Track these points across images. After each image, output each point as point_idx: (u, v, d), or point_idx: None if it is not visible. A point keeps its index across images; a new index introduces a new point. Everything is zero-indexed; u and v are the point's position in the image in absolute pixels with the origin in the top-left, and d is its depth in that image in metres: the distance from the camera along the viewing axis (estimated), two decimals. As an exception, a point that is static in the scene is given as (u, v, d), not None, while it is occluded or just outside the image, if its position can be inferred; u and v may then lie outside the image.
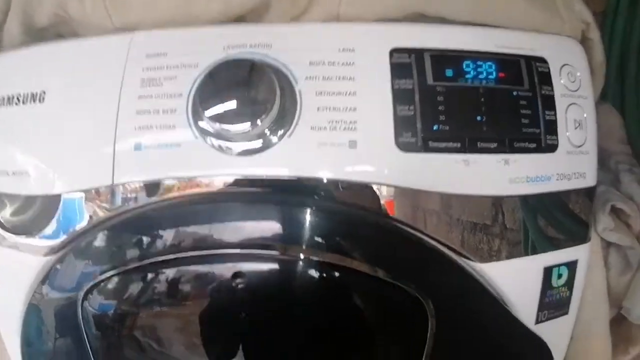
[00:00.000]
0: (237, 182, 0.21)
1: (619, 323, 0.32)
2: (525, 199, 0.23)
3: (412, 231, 0.22)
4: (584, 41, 0.28)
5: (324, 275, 0.21)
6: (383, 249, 0.22)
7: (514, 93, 0.23)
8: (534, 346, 0.26)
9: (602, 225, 0.29)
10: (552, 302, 0.26)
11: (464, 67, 0.23)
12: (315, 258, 0.21)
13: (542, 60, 0.25)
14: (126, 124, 0.22)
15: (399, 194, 0.22)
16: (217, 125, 0.20)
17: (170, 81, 0.22)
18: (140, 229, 0.23)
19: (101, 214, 0.23)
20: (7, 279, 0.27)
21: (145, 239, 0.23)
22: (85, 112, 0.23)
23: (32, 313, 0.26)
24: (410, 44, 0.22)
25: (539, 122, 0.24)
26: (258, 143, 0.21)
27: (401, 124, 0.21)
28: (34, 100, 0.25)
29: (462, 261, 0.23)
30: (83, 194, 0.23)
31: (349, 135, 0.21)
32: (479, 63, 0.23)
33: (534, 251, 0.24)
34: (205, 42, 0.22)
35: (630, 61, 0.31)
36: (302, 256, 0.20)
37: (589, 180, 0.26)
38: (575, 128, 0.25)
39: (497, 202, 0.23)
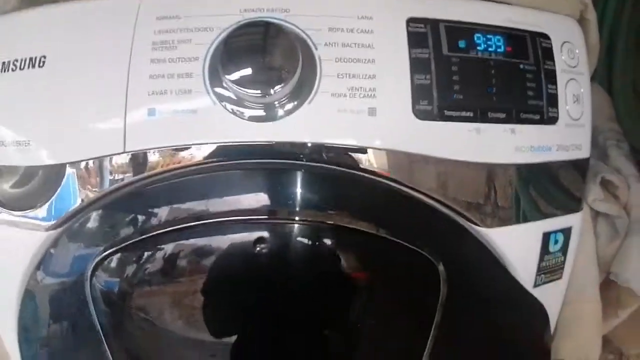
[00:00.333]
0: (258, 149, 0.22)
1: (608, 288, 0.36)
2: (528, 168, 0.26)
3: (424, 198, 0.25)
4: (581, 21, 0.31)
5: (341, 238, 0.23)
6: (398, 215, 0.24)
7: (521, 66, 0.26)
8: (532, 308, 0.30)
9: (593, 195, 0.33)
10: (549, 267, 0.30)
11: (475, 39, 0.25)
12: (332, 222, 0.23)
13: (546, 37, 0.27)
14: (138, 89, 0.22)
15: (412, 160, 0.24)
16: (239, 91, 0.21)
17: (184, 44, 0.23)
18: (151, 199, 0.24)
19: (109, 184, 0.23)
20: (3, 259, 0.27)
21: (156, 210, 0.24)
22: (91, 77, 0.23)
23: (29, 298, 0.26)
24: (426, 14, 0.24)
25: (542, 95, 0.27)
26: (278, 109, 0.22)
27: (418, 93, 0.23)
28: (33, 65, 0.24)
29: (469, 226, 0.26)
30: (91, 163, 0.23)
31: (369, 102, 0.23)
32: (489, 36, 0.25)
33: (535, 218, 0.28)
34: (221, 4, 0.23)
35: (619, 43, 0.35)
36: (322, 220, 0.22)
37: (584, 152, 0.29)
38: (574, 102, 0.28)
39: (503, 170, 0.25)
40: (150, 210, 0.24)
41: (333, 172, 0.22)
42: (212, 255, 0.23)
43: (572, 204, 0.30)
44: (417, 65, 0.23)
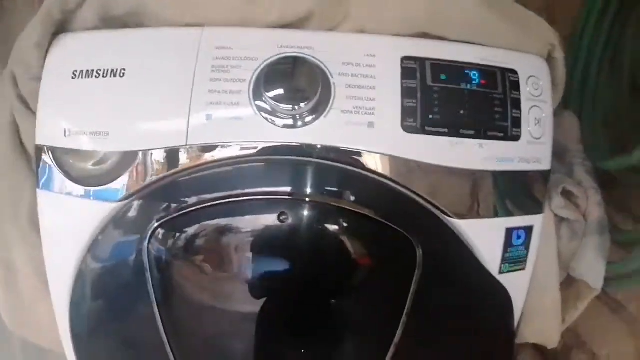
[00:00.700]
0: (286, 148, 0.33)
1: (569, 285, 0.46)
2: (494, 174, 0.37)
3: (407, 192, 0.35)
4: (550, 59, 0.42)
5: (343, 218, 0.34)
6: (387, 204, 0.35)
7: (490, 95, 0.37)
8: (497, 292, 0.40)
9: (555, 203, 0.43)
10: (512, 257, 0.40)
11: (455, 73, 0.36)
12: (336, 204, 0.34)
13: (514, 72, 0.38)
14: (200, 99, 0.34)
15: (400, 163, 0.34)
16: (275, 104, 0.32)
17: (236, 69, 0.34)
18: (200, 182, 0.35)
19: (170, 168, 0.34)
20: (73, 228, 0.38)
21: (202, 189, 0.35)
22: (163, 88, 0.35)
23: (92, 259, 0.37)
24: (416, 54, 0.36)
25: (507, 118, 0.37)
26: (302, 120, 0.34)
27: (406, 113, 0.34)
28: (114, 75, 0.36)
29: (443, 217, 0.36)
30: (159, 151, 0.34)
31: (368, 118, 0.34)
32: (466, 71, 0.36)
33: (498, 215, 0.38)
34: (263, 41, 0.35)
35: (590, 79, 0.46)
36: (329, 202, 0.33)
37: (544, 165, 0.40)
38: (535, 125, 0.39)
39: (472, 174, 0.36)
40: (198, 190, 0.35)
41: (339, 168, 0.33)
42: (246, 225, 0.34)
43: (533, 206, 0.40)
44: (406, 92, 0.34)
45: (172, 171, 0.34)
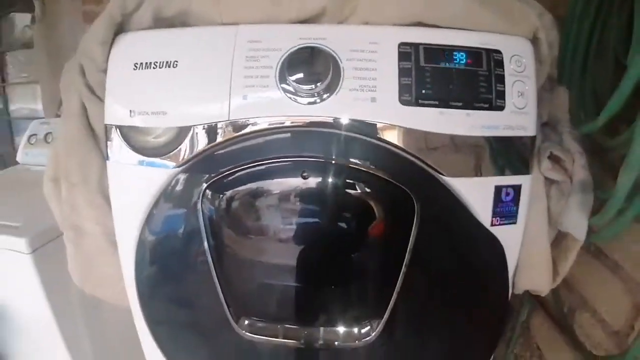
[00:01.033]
0: (306, 122, 0.46)
1: (560, 241, 0.57)
2: (481, 139, 0.48)
3: (405, 154, 0.47)
4: (534, 40, 0.52)
5: (354, 175, 0.47)
6: (390, 164, 0.47)
7: (476, 72, 0.48)
8: (490, 242, 0.52)
9: (544, 166, 0.54)
10: (503, 212, 0.51)
11: (445, 55, 0.48)
12: (348, 164, 0.46)
13: (498, 52, 0.49)
14: (237, 83, 0.47)
15: (400, 130, 0.47)
16: (297, 86, 0.45)
17: (264, 58, 0.47)
18: (239, 149, 0.48)
19: (216, 139, 0.48)
20: (138, 191, 0.52)
21: (240, 155, 0.48)
22: (208, 74, 0.48)
23: (152, 220, 0.52)
24: (411, 39, 0.48)
25: (492, 91, 0.49)
26: (318, 98, 0.46)
27: (403, 89, 0.46)
28: (169, 66, 0.50)
29: (438, 176, 0.48)
30: (207, 126, 0.48)
31: (372, 94, 0.46)
32: (455, 53, 0.48)
33: (488, 174, 0.50)
34: (285, 34, 0.47)
35: (577, 56, 0.56)
36: (342, 162, 0.46)
37: (529, 132, 0.51)
38: (519, 96, 0.50)
39: (462, 139, 0.47)
40: (236, 156, 0.48)
41: (349, 135, 0.46)
42: (277, 183, 0.47)
43: (520, 168, 0.51)
44: (403, 72, 0.46)
45: (217, 141, 0.48)
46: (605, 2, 0.55)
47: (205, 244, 0.50)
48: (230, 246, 0.51)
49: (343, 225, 0.49)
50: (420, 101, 0.47)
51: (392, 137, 0.47)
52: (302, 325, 0.54)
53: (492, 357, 0.61)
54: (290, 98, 0.47)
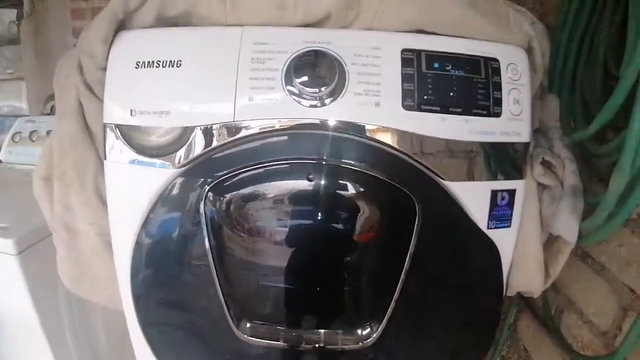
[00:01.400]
0: (310, 124, 0.47)
1: (551, 244, 0.59)
2: (479, 144, 0.50)
3: (407, 158, 0.48)
4: (529, 49, 0.55)
5: (356, 177, 0.48)
6: (392, 167, 0.48)
7: (474, 79, 0.50)
8: (486, 245, 0.53)
9: (537, 171, 0.56)
10: (498, 215, 0.53)
11: (445, 62, 0.49)
12: (350, 167, 0.47)
13: (495, 60, 0.51)
14: (243, 84, 0.48)
15: (401, 134, 0.48)
16: (302, 89, 0.46)
17: (270, 61, 0.48)
18: (244, 150, 0.48)
19: (220, 140, 0.48)
20: (138, 190, 0.52)
21: (245, 157, 0.48)
22: (213, 75, 0.48)
23: (155, 214, 0.51)
24: (413, 46, 0.49)
25: (489, 98, 0.50)
26: (323, 101, 0.47)
27: (406, 94, 0.47)
28: (173, 65, 0.50)
29: (437, 179, 0.49)
30: (211, 126, 0.48)
31: (376, 99, 0.47)
32: (454, 60, 0.50)
33: (484, 178, 0.51)
34: (291, 37, 0.48)
35: (568, 64, 0.59)
36: (343, 165, 0.47)
37: (524, 138, 0.53)
38: (514, 104, 0.52)
39: (461, 144, 0.49)
40: (241, 158, 0.48)
41: (353, 138, 0.47)
42: (281, 185, 0.48)
43: (514, 173, 0.53)
44: (405, 78, 0.48)
45: (222, 142, 0.48)
46: (596, 13, 0.58)
47: (207, 246, 0.50)
48: (232, 249, 0.51)
49: (345, 228, 0.50)
50: (422, 107, 0.48)
51: (395, 141, 0.48)
52: (302, 328, 0.54)
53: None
54: (295, 100, 0.47)
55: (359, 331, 0.53)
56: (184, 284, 0.54)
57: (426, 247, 0.52)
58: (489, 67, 0.51)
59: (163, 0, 0.52)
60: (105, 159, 0.54)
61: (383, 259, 0.53)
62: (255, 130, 0.48)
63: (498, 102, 0.51)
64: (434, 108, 0.48)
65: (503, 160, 0.53)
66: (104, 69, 0.53)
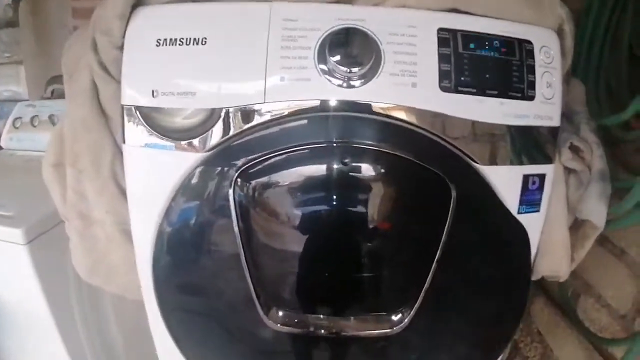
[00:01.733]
0: (344, 104, 0.45)
1: (577, 229, 0.58)
2: (513, 128, 0.48)
3: (442, 141, 0.47)
4: (560, 31, 0.53)
5: (388, 161, 0.46)
6: (427, 151, 0.46)
7: (510, 61, 0.48)
8: (516, 229, 0.52)
9: (564, 156, 0.55)
10: (529, 200, 0.52)
11: (481, 43, 0.47)
12: (383, 149, 0.45)
13: (529, 42, 0.50)
14: (274, 64, 0.45)
15: (438, 117, 0.46)
16: (337, 68, 0.43)
17: (302, 39, 0.45)
18: (276, 133, 0.46)
19: (250, 122, 0.45)
20: (160, 175, 0.49)
21: (276, 140, 0.46)
22: (241, 53, 0.46)
23: (181, 197, 0.48)
24: (450, 26, 0.47)
25: (524, 81, 0.49)
26: (358, 81, 0.45)
27: (443, 75, 0.46)
28: (197, 43, 0.47)
29: (471, 163, 0.48)
30: (241, 108, 0.45)
31: (412, 79, 0.45)
32: (490, 41, 0.48)
33: (518, 163, 0.50)
34: (322, 14, 0.45)
35: (594, 50, 0.57)
36: (378, 147, 0.45)
37: (555, 122, 0.52)
38: (547, 87, 0.50)
39: (495, 127, 0.47)
40: (273, 140, 0.46)
41: (389, 121, 0.45)
42: (314, 167, 0.46)
43: (545, 157, 0.52)
44: (442, 58, 0.46)
45: (251, 124, 0.45)
46: (622, -1, 0.56)
47: (237, 231, 0.48)
48: (262, 235, 0.49)
49: (380, 213, 0.48)
50: (459, 88, 0.46)
51: (432, 124, 0.46)
52: (333, 315, 0.53)
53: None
54: (329, 80, 0.45)
55: (391, 317, 0.52)
56: (209, 271, 0.52)
57: (460, 232, 0.50)
58: (523, 50, 0.49)
59: None
60: (125, 142, 0.51)
61: (417, 245, 0.51)
62: (288, 112, 0.45)
63: (532, 85, 0.49)
64: (471, 90, 0.46)
65: (535, 144, 0.51)
66: (121, 47, 0.50)
